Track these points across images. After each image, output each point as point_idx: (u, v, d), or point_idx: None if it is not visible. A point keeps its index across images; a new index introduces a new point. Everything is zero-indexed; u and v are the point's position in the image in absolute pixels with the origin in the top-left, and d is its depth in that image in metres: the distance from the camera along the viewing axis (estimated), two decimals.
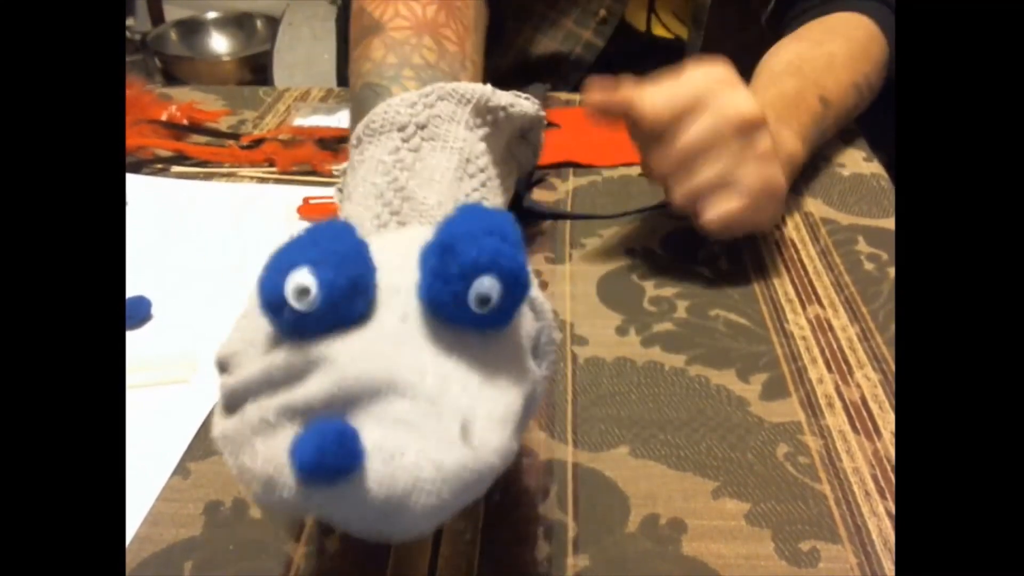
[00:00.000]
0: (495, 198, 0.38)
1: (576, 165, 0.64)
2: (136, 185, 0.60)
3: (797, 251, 0.53)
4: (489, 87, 0.40)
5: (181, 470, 0.37)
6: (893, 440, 0.38)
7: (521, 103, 0.42)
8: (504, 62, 0.81)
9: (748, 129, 0.46)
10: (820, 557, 0.33)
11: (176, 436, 0.39)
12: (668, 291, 0.49)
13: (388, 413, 0.22)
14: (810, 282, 0.50)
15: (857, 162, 0.64)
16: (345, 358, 0.23)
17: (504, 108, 0.40)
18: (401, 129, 0.36)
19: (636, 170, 0.63)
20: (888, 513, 0.35)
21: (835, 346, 0.45)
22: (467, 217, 0.24)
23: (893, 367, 0.43)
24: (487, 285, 0.23)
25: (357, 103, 0.45)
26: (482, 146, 0.38)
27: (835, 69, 0.60)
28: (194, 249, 0.53)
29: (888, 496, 0.36)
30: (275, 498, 0.22)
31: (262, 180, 0.61)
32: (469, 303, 0.23)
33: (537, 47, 0.80)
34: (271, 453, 0.22)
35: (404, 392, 0.22)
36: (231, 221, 0.56)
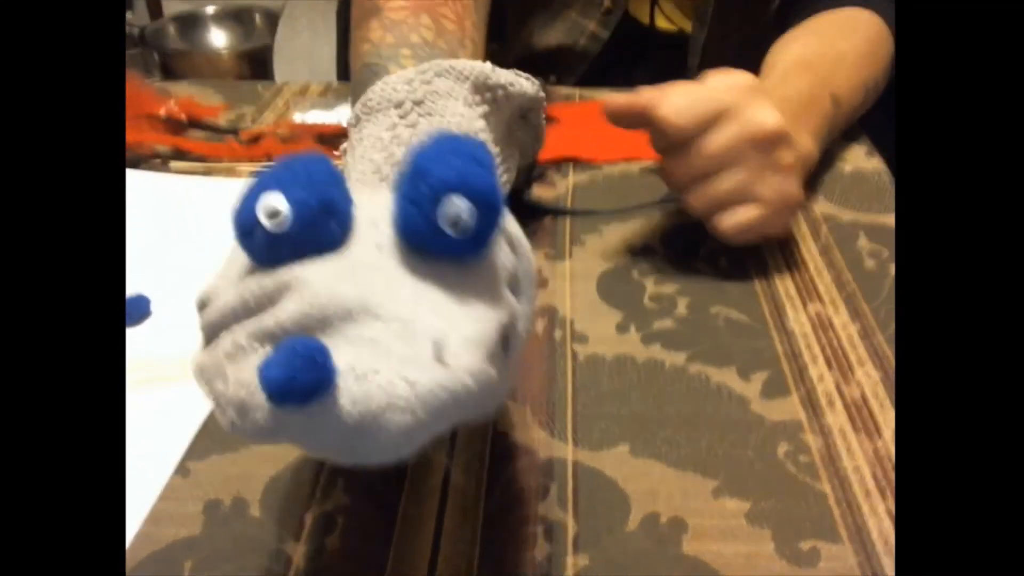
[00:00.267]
0: None
1: (576, 161, 0.64)
2: (135, 181, 0.60)
3: (798, 248, 0.53)
4: (488, 65, 0.40)
5: (181, 469, 0.37)
6: (893, 439, 0.38)
7: (521, 82, 0.42)
8: (509, 55, 0.80)
9: (771, 142, 0.47)
10: (820, 556, 0.33)
11: (176, 435, 0.39)
12: (668, 288, 0.49)
13: (360, 335, 0.22)
14: (811, 279, 0.50)
15: (859, 158, 0.64)
16: (318, 281, 0.23)
17: (504, 87, 0.40)
18: (398, 106, 0.36)
19: (637, 166, 0.63)
20: (888, 512, 0.35)
21: (836, 344, 0.45)
22: (439, 142, 0.24)
23: (894, 365, 0.43)
24: (457, 205, 0.23)
25: (356, 84, 0.45)
26: (481, 123, 0.38)
27: (846, 68, 0.59)
28: (193, 245, 0.53)
29: (888, 495, 0.36)
30: (249, 423, 0.22)
31: None
32: (440, 225, 0.23)
33: (542, 39, 0.80)
34: (243, 377, 0.22)
35: (377, 315, 0.22)
36: (230, 217, 0.55)
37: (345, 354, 0.21)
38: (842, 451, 0.38)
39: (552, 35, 0.79)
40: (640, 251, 0.53)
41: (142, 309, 0.46)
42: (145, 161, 0.63)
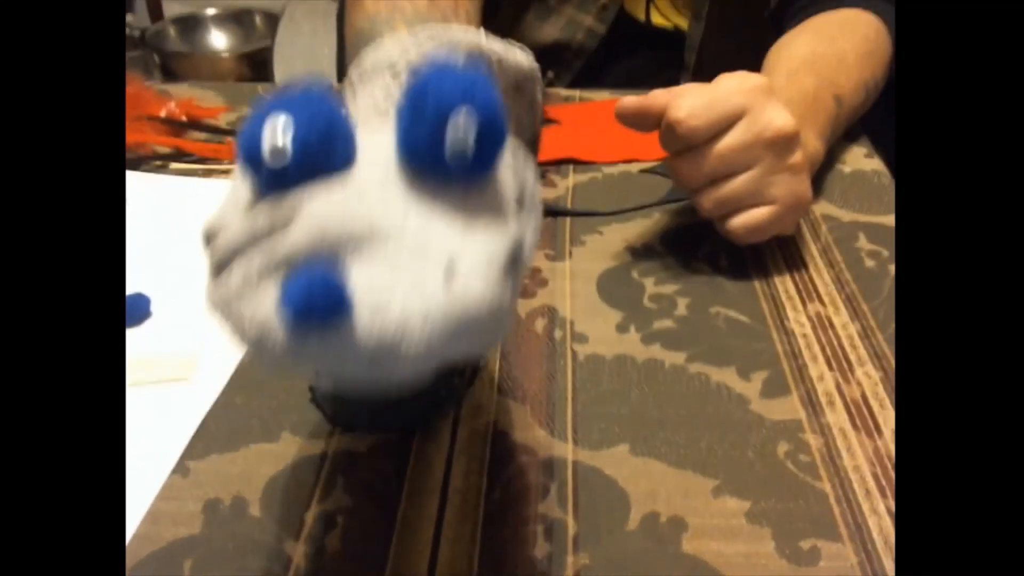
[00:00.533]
0: None
1: (576, 161, 0.64)
2: (135, 182, 0.60)
3: (797, 248, 0.53)
4: (482, 33, 0.40)
5: (180, 468, 0.37)
6: (893, 438, 0.38)
7: (515, 53, 0.42)
8: None
9: (784, 144, 0.47)
10: (820, 555, 0.33)
11: (175, 434, 0.39)
12: (668, 288, 0.49)
13: (372, 260, 0.22)
14: (811, 279, 0.50)
15: (858, 159, 0.64)
16: (326, 208, 0.23)
17: (498, 55, 0.40)
18: (391, 66, 0.36)
19: (636, 167, 0.63)
20: (888, 511, 0.35)
21: (836, 343, 0.45)
22: (438, 64, 0.24)
23: (894, 364, 0.43)
24: (463, 124, 0.22)
25: (351, 51, 0.45)
26: None
27: (847, 68, 0.60)
28: (193, 246, 0.53)
29: (888, 494, 0.36)
30: (267, 350, 0.22)
31: None
32: (446, 143, 0.23)
33: (539, 35, 0.80)
34: (259, 308, 0.22)
35: (386, 238, 0.22)
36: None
37: (358, 280, 0.21)
38: (842, 450, 0.38)
39: (549, 30, 0.80)
40: (640, 251, 0.53)
41: (143, 309, 0.46)
42: (145, 162, 0.63)
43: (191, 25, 1.95)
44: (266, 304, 0.22)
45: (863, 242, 0.53)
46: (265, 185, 0.24)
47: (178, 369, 0.42)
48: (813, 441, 0.38)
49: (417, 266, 0.22)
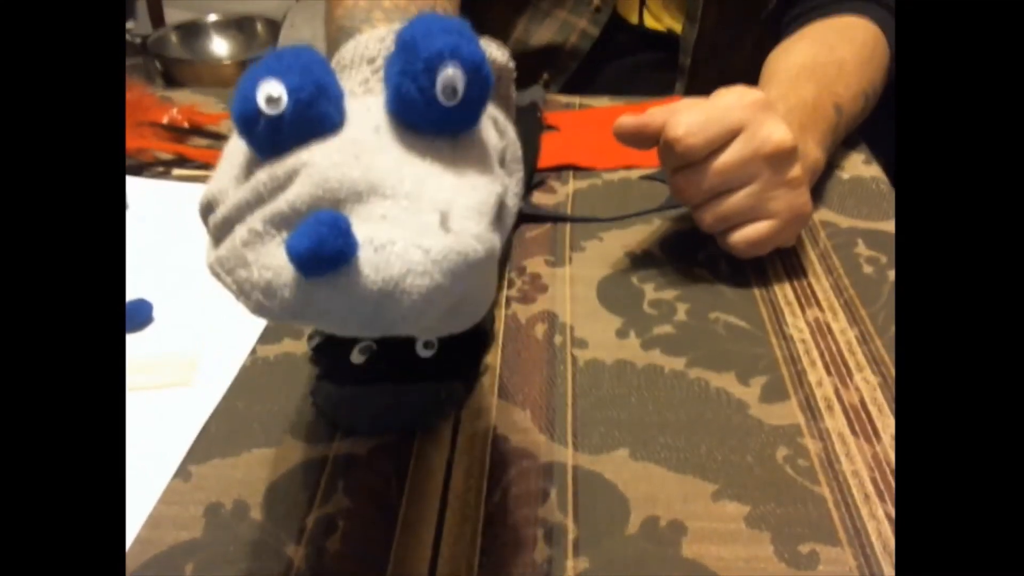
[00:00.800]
0: None
1: (576, 168, 0.64)
2: (137, 188, 0.61)
3: (796, 254, 0.53)
4: None
5: (182, 472, 0.37)
6: (892, 443, 0.39)
7: (491, 49, 0.42)
8: None
9: (781, 158, 0.47)
10: (819, 560, 0.33)
11: (177, 438, 0.39)
12: (668, 294, 0.49)
13: (372, 212, 0.23)
14: (809, 285, 0.50)
15: (856, 165, 0.64)
16: (326, 164, 0.23)
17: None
18: (371, 62, 0.37)
19: (636, 173, 0.63)
20: (887, 516, 0.35)
21: (834, 349, 0.45)
22: (423, 20, 0.24)
23: (892, 370, 0.43)
24: (451, 74, 0.23)
25: (330, 46, 0.45)
26: None
27: (846, 76, 0.60)
28: (195, 252, 0.53)
29: (887, 499, 0.36)
30: (276, 303, 0.22)
31: None
32: (436, 95, 0.23)
33: (532, 37, 0.81)
34: (266, 259, 0.23)
35: (384, 193, 0.23)
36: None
37: (361, 229, 0.22)
38: (841, 455, 0.38)
39: (542, 33, 0.80)
40: (640, 257, 0.53)
41: (144, 314, 0.46)
42: (148, 168, 0.63)
43: (193, 32, 1.95)
44: (274, 254, 0.22)
45: (861, 248, 0.54)
46: (261, 148, 0.24)
47: (180, 374, 0.43)
48: (812, 446, 0.38)
49: (415, 216, 0.23)
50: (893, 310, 0.48)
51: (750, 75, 0.64)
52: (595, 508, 0.35)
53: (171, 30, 1.94)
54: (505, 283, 0.50)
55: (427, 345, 0.40)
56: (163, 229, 0.56)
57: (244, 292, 0.23)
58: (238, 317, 0.47)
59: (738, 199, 0.48)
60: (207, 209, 0.26)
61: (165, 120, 0.66)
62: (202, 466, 0.37)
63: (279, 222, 0.23)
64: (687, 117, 0.47)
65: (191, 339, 0.45)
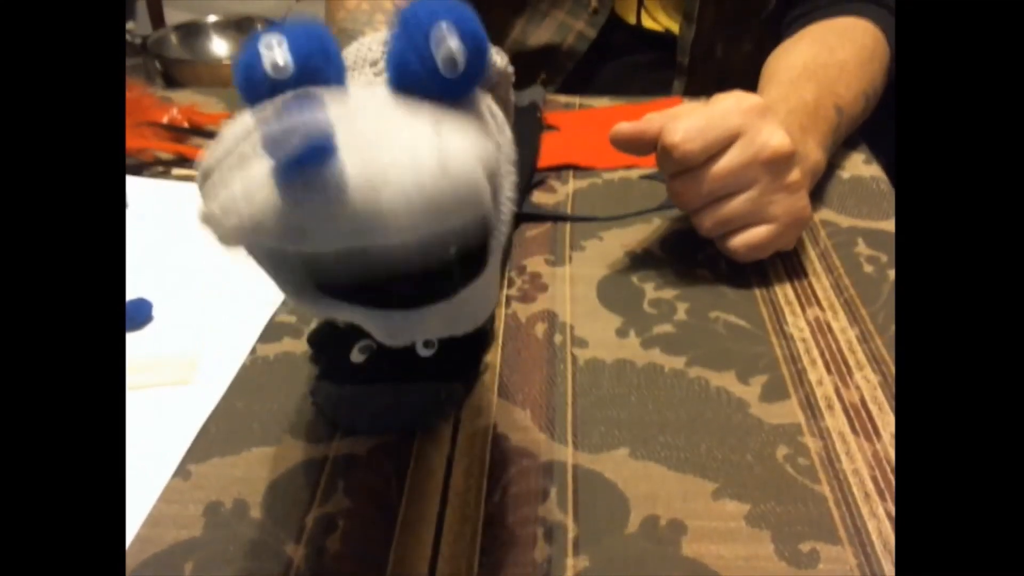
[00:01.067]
0: None
1: (576, 168, 0.64)
2: (137, 187, 0.61)
3: (796, 253, 0.53)
4: None
5: (181, 471, 0.37)
6: (893, 442, 0.38)
7: (491, 54, 0.42)
8: None
9: (779, 163, 0.47)
10: (820, 558, 0.33)
11: (176, 437, 0.39)
12: (668, 293, 0.49)
13: (359, 120, 0.23)
14: (809, 284, 0.50)
15: (856, 165, 0.64)
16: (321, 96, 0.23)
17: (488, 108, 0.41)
18: (373, 64, 0.37)
19: (636, 172, 0.63)
20: (888, 514, 0.35)
21: (834, 348, 0.45)
22: (423, 3, 0.25)
23: (893, 369, 0.43)
24: (453, 46, 0.24)
25: None
26: None
27: (847, 77, 0.60)
28: (195, 251, 0.53)
29: (888, 497, 0.36)
30: (257, 210, 0.22)
31: None
32: (437, 65, 0.24)
33: (529, 38, 0.81)
34: (250, 173, 0.22)
35: (373, 117, 0.23)
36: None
37: (345, 131, 0.22)
38: (841, 454, 0.38)
39: (540, 34, 0.80)
40: (640, 256, 0.53)
41: (144, 313, 0.46)
42: (148, 168, 0.63)
43: (193, 32, 1.95)
44: (257, 170, 0.22)
45: (862, 247, 0.54)
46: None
47: (179, 373, 0.42)
48: (812, 445, 0.38)
49: (403, 130, 0.23)
50: (893, 309, 0.47)
51: (749, 75, 0.65)
52: (595, 507, 0.35)
53: (171, 30, 1.94)
54: (505, 282, 0.50)
55: (427, 344, 0.40)
56: (163, 228, 0.56)
57: (225, 210, 0.23)
58: (238, 317, 0.47)
59: (737, 204, 0.48)
60: (204, 177, 0.26)
61: (165, 120, 0.66)
62: (202, 465, 0.37)
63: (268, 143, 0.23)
64: (685, 123, 0.47)
65: (191, 338, 0.45)
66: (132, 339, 0.45)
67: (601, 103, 0.74)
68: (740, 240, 0.49)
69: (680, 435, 0.39)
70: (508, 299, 0.49)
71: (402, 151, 0.22)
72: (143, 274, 0.50)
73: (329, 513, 0.35)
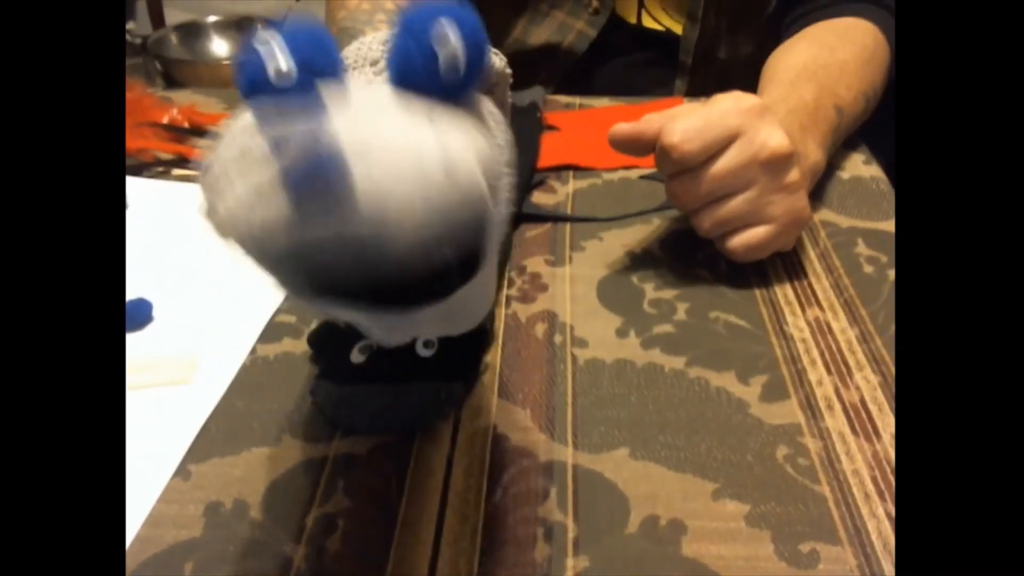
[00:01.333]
0: None
1: (576, 168, 0.64)
2: (137, 188, 0.61)
3: (796, 254, 0.53)
4: None
5: (182, 471, 0.37)
6: (893, 442, 0.38)
7: (489, 55, 0.42)
8: None
9: (778, 164, 0.47)
10: (820, 559, 0.33)
11: (177, 437, 0.39)
12: (668, 293, 0.49)
13: (361, 121, 0.23)
14: (809, 284, 0.50)
15: (856, 165, 0.64)
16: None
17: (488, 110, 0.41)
18: (374, 64, 0.37)
19: (636, 173, 0.63)
20: (888, 515, 0.35)
21: (834, 348, 0.45)
22: (425, 4, 0.25)
23: (893, 369, 0.43)
24: (454, 45, 0.24)
25: None
26: None
27: (847, 78, 0.60)
28: (195, 251, 0.53)
29: (888, 498, 0.36)
30: (264, 221, 0.22)
31: None
32: (439, 64, 0.24)
33: (529, 37, 0.81)
34: (255, 180, 0.22)
35: (375, 121, 0.23)
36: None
37: (347, 131, 0.22)
38: (841, 454, 0.38)
39: (540, 33, 0.80)
40: (640, 257, 0.53)
41: (144, 313, 0.46)
42: (148, 168, 0.63)
43: (193, 32, 1.95)
44: (263, 176, 0.22)
45: (862, 248, 0.54)
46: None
47: (179, 372, 0.42)
48: (812, 445, 0.38)
49: (408, 129, 0.23)
50: (893, 309, 0.48)
51: (750, 75, 0.65)
52: (595, 507, 0.35)
53: (171, 31, 1.94)
54: (505, 282, 0.50)
55: (427, 344, 0.40)
56: (163, 229, 0.56)
57: (234, 215, 0.23)
58: (238, 317, 0.47)
59: (735, 204, 0.48)
60: (207, 174, 0.26)
61: (165, 120, 0.66)
62: (202, 465, 0.37)
63: (273, 151, 0.23)
64: (683, 123, 0.47)
65: (191, 338, 0.45)
66: (132, 339, 0.45)
67: (601, 103, 0.74)
68: (739, 240, 0.49)
69: (680, 435, 0.39)
70: (508, 299, 0.49)
71: (407, 158, 0.22)
72: (143, 274, 0.50)
73: (329, 513, 0.35)
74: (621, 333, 0.46)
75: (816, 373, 0.43)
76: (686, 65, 0.79)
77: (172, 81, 1.81)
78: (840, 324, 0.47)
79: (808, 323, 0.47)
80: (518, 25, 0.81)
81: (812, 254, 0.53)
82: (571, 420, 0.40)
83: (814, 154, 0.53)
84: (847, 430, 0.39)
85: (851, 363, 0.44)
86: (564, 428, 0.39)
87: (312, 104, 0.23)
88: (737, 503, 0.35)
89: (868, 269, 0.51)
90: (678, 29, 0.79)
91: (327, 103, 0.23)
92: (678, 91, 0.81)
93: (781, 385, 0.42)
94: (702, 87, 0.80)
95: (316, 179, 0.21)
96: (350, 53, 0.38)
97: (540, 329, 0.46)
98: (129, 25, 2.00)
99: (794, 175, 0.48)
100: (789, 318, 0.47)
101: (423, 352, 0.40)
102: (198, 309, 0.48)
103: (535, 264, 0.52)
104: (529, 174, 0.61)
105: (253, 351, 0.44)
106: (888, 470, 0.37)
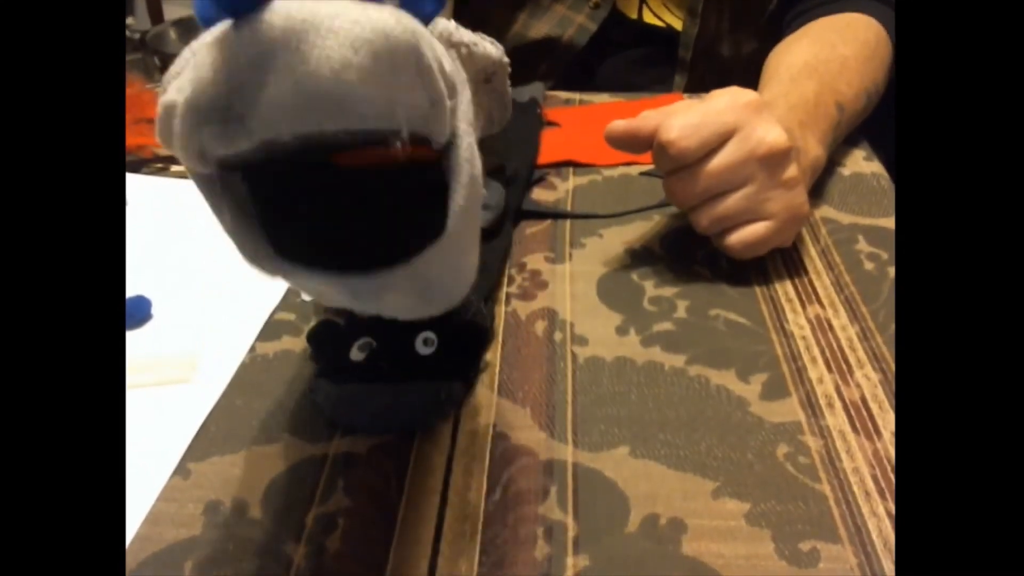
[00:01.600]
0: None
1: (576, 164, 0.64)
2: (136, 184, 0.60)
3: (797, 251, 0.53)
4: (452, 23, 0.41)
5: (181, 470, 0.37)
6: (893, 440, 0.38)
7: (485, 44, 0.42)
8: None
9: (776, 160, 0.47)
10: (820, 557, 0.33)
11: (176, 436, 0.39)
12: (668, 291, 0.49)
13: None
14: (810, 282, 0.50)
15: (857, 161, 0.64)
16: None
17: (467, 45, 0.40)
18: None
19: (636, 169, 0.63)
20: (888, 513, 0.35)
21: (835, 346, 0.45)
22: None
23: (893, 367, 0.43)
24: None
25: None
26: None
27: (848, 74, 0.60)
28: (194, 248, 0.53)
29: (888, 496, 0.36)
30: (201, 78, 0.22)
31: None
32: None
33: (529, 30, 0.81)
34: (196, 61, 0.23)
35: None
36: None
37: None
38: (842, 452, 0.38)
39: (540, 27, 0.80)
40: (640, 254, 0.53)
41: (143, 311, 0.46)
42: (146, 164, 0.63)
43: (191, 28, 1.94)
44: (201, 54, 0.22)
45: (862, 244, 0.54)
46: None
47: (179, 371, 0.42)
48: (812, 443, 0.38)
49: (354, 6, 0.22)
50: (894, 307, 0.47)
51: (751, 71, 0.64)
52: (595, 506, 0.35)
53: (170, 26, 1.94)
54: (505, 280, 0.50)
55: (426, 343, 0.40)
56: (162, 225, 0.56)
57: (180, 90, 0.23)
58: (238, 315, 0.47)
59: (733, 201, 0.47)
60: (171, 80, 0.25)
61: None
62: (201, 464, 0.37)
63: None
64: (680, 120, 0.46)
65: (190, 336, 0.45)
66: (131, 337, 0.45)
67: (601, 99, 0.74)
68: (737, 237, 0.48)
69: (680, 433, 0.39)
70: (508, 296, 0.49)
71: (343, 9, 0.22)
72: (142, 272, 0.50)
73: (329, 512, 0.35)
74: (621, 331, 0.46)
75: (816, 371, 0.43)
76: (685, 61, 0.79)
77: None
78: (841, 321, 0.47)
79: (808, 320, 0.47)
80: (519, 18, 0.81)
81: (813, 251, 0.53)
82: (571, 418, 0.40)
83: (814, 150, 0.53)
84: (847, 428, 0.39)
85: (852, 361, 0.44)
86: (564, 426, 0.39)
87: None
88: (737, 501, 0.35)
89: (869, 266, 0.51)
90: (678, 25, 0.79)
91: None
92: (677, 87, 0.81)
93: (781, 383, 0.42)
94: (702, 83, 0.79)
95: (242, 13, 0.21)
96: None
97: (540, 327, 0.46)
98: (128, 20, 1.99)
99: (792, 171, 0.47)
100: (789, 315, 0.47)
101: (422, 351, 0.40)
102: (197, 307, 0.48)
103: (535, 261, 0.52)
104: (529, 170, 0.61)
105: (252, 349, 0.44)
106: (888, 468, 0.37)
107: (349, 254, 0.25)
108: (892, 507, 0.35)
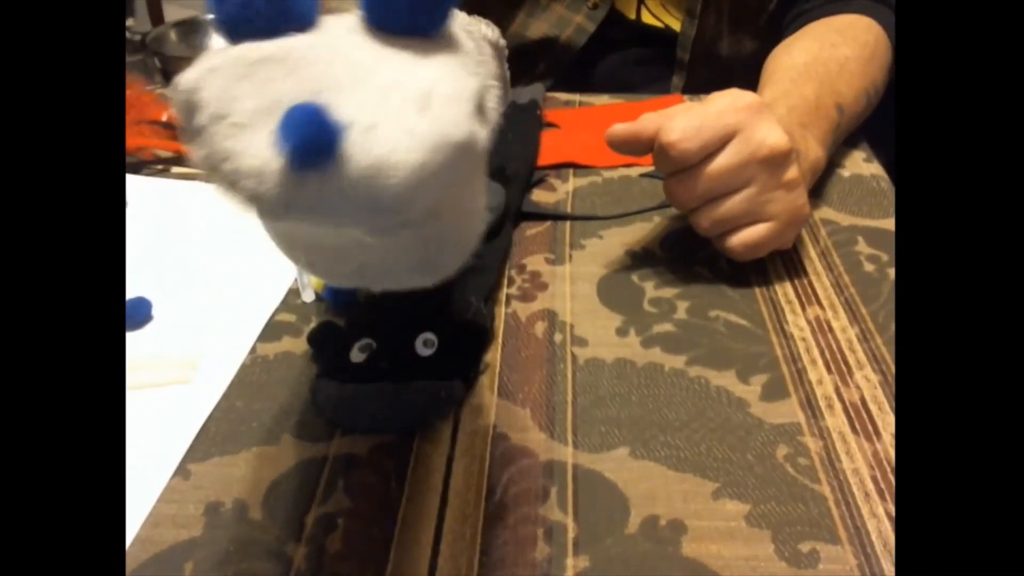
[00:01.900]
0: None
1: (576, 166, 0.64)
2: (136, 186, 0.60)
3: (797, 252, 0.53)
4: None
5: (181, 471, 0.37)
6: (893, 441, 0.38)
7: (480, 27, 0.42)
8: None
9: (777, 161, 0.47)
10: (820, 558, 0.33)
11: (177, 437, 0.39)
12: (668, 292, 0.49)
13: (352, 97, 0.23)
14: (810, 283, 0.50)
15: (857, 163, 0.64)
16: (307, 54, 0.24)
17: (463, 27, 0.40)
18: None
19: (636, 171, 0.63)
20: (888, 514, 0.35)
21: (835, 347, 0.45)
22: None
23: (893, 368, 0.43)
24: None
25: None
26: None
27: (848, 75, 0.60)
28: (194, 250, 0.53)
29: (888, 497, 0.36)
30: (268, 188, 0.22)
31: None
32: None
33: (528, 31, 0.81)
34: (254, 148, 0.23)
35: (365, 81, 0.23)
36: (231, 222, 0.56)
37: (344, 115, 0.22)
38: (841, 453, 0.38)
39: (538, 26, 0.80)
40: (640, 255, 0.53)
41: (144, 312, 0.46)
42: (147, 166, 0.63)
43: (192, 29, 1.94)
44: (260, 144, 0.22)
45: (862, 246, 0.54)
46: (232, 25, 0.24)
47: (179, 372, 0.42)
48: (812, 444, 0.38)
49: (395, 100, 0.23)
50: (893, 308, 0.47)
51: (750, 72, 0.64)
52: (595, 507, 0.35)
53: (170, 27, 1.93)
54: (505, 281, 0.50)
55: (427, 343, 0.40)
56: (162, 227, 0.56)
57: (234, 183, 0.23)
58: (238, 316, 0.47)
59: (734, 203, 0.47)
60: (188, 98, 0.26)
61: (164, 118, 0.66)
62: (202, 465, 0.37)
63: (268, 107, 0.23)
64: (681, 122, 0.46)
65: (191, 337, 0.45)
66: (132, 338, 0.45)
67: (601, 100, 0.74)
68: (738, 239, 0.48)
69: (680, 435, 0.39)
70: (508, 298, 0.49)
71: (399, 135, 0.22)
72: (142, 273, 0.50)
73: (329, 512, 0.35)
74: (621, 332, 0.46)
75: (816, 372, 0.43)
76: (683, 62, 0.79)
77: (171, 78, 1.81)
78: (840, 323, 0.47)
79: (808, 322, 0.47)
80: (517, 18, 0.82)
81: (812, 252, 0.53)
82: (571, 419, 0.40)
83: (814, 151, 0.53)
84: (847, 429, 0.39)
85: (851, 362, 0.44)
86: (564, 427, 0.39)
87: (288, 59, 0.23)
88: (737, 503, 0.35)
89: (868, 267, 0.51)
90: (677, 26, 0.79)
91: (298, 40, 0.24)
92: (675, 88, 0.81)
93: (781, 384, 0.42)
94: (700, 84, 0.80)
95: (317, 162, 0.22)
96: None
97: (540, 328, 0.46)
98: (128, 22, 1.99)
99: (793, 172, 0.47)
100: (789, 317, 0.47)
101: (423, 351, 0.40)
102: (198, 308, 0.48)
103: (535, 262, 0.52)
104: (529, 172, 0.61)
105: (253, 350, 0.44)
106: (888, 469, 0.37)
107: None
108: (892, 508, 0.35)
